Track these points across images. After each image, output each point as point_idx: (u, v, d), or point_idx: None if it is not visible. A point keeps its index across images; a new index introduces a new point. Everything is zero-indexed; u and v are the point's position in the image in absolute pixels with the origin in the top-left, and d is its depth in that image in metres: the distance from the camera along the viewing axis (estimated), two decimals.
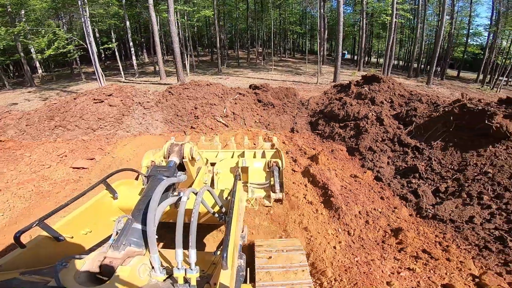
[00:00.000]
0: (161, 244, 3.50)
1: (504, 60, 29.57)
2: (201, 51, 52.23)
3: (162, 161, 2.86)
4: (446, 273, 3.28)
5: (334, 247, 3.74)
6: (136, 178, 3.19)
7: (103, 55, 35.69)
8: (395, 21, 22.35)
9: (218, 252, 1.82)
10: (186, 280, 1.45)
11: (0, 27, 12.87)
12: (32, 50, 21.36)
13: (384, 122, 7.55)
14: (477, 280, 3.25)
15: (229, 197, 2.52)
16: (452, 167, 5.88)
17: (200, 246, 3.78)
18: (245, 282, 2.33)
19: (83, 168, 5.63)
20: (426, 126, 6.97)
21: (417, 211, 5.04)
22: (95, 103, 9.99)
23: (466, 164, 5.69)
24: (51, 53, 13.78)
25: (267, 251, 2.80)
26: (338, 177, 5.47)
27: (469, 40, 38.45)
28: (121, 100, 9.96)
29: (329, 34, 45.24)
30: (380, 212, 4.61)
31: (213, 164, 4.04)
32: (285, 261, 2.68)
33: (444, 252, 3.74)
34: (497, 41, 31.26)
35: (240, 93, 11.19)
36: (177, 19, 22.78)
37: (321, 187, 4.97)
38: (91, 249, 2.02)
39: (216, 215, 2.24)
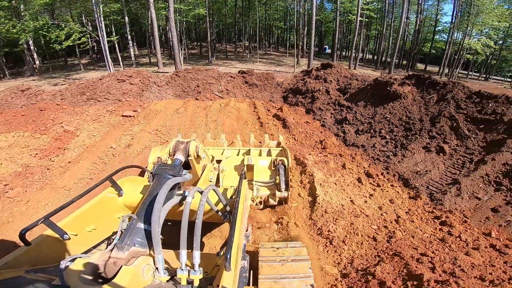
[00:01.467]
0: (165, 244, 4.52)
1: (459, 54, 34.10)
2: (189, 44, 54.60)
3: (168, 158, 2.80)
4: (349, 164, 6.65)
5: (286, 143, 7.20)
6: (142, 175, 3.00)
7: (96, 48, 37.66)
8: (360, 20, 26.12)
9: (222, 253, 1.78)
10: (189, 281, 1.46)
11: (29, 21, 15.35)
12: (30, 42, 23.44)
13: (330, 93, 11.14)
14: (366, 169, 6.54)
15: (234, 196, 2.49)
16: (367, 116, 9.50)
17: (202, 243, 3.73)
18: (248, 284, 2.30)
19: (130, 116, 8.70)
20: (355, 94, 10.62)
21: (344, 142, 8.53)
22: (119, 82, 13.00)
23: (375, 114, 9.30)
24: (70, 44, 16.44)
25: (271, 260, 2.74)
26: (294, 120, 8.94)
27: (437, 37, 42.95)
28: (140, 80, 13.04)
29: (308, 30, 48.82)
30: (316, 134, 8.12)
31: (218, 162, 3.99)
32: (289, 271, 2.62)
33: (352, 158, 7.06)
34: (455, 37, 35.72)
35: (231, 76, 14.53)
36: (163, 13, 25.66)
37: (282, 120, 8.43)
38: (96, 247, 2.04)
39: (220, 213, 2.24)
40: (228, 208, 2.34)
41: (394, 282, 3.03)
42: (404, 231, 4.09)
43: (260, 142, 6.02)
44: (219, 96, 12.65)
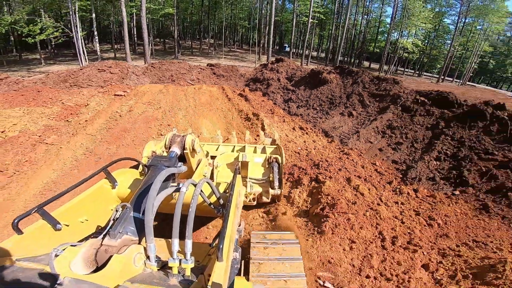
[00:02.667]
0: (158, 233, 4.61)
1: (395, 53, 40.01)
2: (152, 41, 54.90)
3: (163, 151, 2.80)
4: (288, 121, 9.53)
5: (251, 109, 9.93)
6: (137, 168, 3.12)
7: (53, 43, 36.85)
8: (312, 22, 29.99)
9: (214, 244, 1.81)
10: (180, 270, 1.47)
11: (4, 15, 15.92)
12: None
13: (280, 80, 14.18)
14: (299, 125, 9.51)
15: (227, 190, 2.55)
16: (305, 96, 12.65)
17: (196, 238, 3.80)
18: (239, 274, 2.31)
19: (121, 95, 10.63)
20: (298, 81, 13.77)
21: (288, 113, 11.50)
22: (99, 71, 14.62)
23: (311, 94, 12.50)
24: (43, 38, 17.30)
25: (262, 243, 2.77)
26: (252, 98, 11.70)
27: (380, 37, 48.98)
28: (119, 70, 14.80)
29: (269, 29, 52.36)
30: (268, 107, 10.98)
31: (213, 158, 4.02)
32: (279, 253, 2.65)
33: (291, 120, 10.02)
34: (393, 38, 41.58)
35: (201, 68, 16.90)
36: (134, 12, 26.90)
37: (244, 97, 11.16)
38: (88, 237, 2.04)
39: (213, 207, 2.26)
40: (221, 202, 2.35)
41: (308, 168, 5.93)
42: (318, 153, 7.05)
43: (256, 139, 6.13)
44: (192, 84, 14.97)
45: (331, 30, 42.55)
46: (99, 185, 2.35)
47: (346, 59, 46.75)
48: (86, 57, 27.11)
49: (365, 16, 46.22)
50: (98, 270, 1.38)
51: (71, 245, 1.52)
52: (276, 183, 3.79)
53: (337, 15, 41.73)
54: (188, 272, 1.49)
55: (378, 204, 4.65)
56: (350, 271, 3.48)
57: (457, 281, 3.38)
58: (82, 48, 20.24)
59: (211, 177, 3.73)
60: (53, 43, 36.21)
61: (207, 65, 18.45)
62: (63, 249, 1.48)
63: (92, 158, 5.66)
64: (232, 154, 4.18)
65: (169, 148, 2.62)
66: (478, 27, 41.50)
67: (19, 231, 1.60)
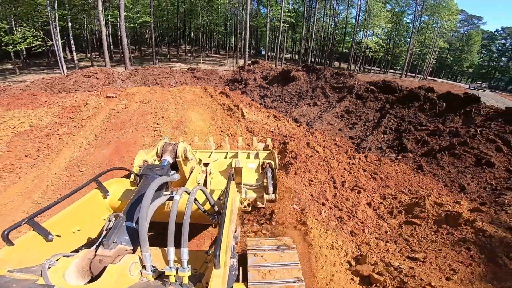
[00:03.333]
0: (153, 242, 3.65)
1: (361, 52, 43.31)
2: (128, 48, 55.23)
3: (155, 160, 2.78)
4: (263, 111, 11.13)
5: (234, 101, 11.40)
6: (128, 177, 3.05)
7: (25, 53, 36.35)
8: (283, 25, 32.15)
9: (211, 251, 1.79)
10: (177, 279, 1.45)
11: None
12: None
13: (256, 80, 15.81)
14: (273, 114, 11.10)
15: (222, 197, 2.53)
16: (278, 92, 14.34)
17: (193, 246, 3.84)
18: (237, 281, 2.32)
19: (113, 96, 11.65)
20: (272, 79, 15.47)
21: (264, 106, 13.11)
22: (85, 77, 15.47)
23: (282, 90, 14.20)
24: (24, 46, 17.78)
25: (259, 249, 2.76)
26: (232, 95, 13.17)
27: (348, 38, 52.26)
28: (105, 75, 15.72)
29: (245, 34, 54.37)
30: (247, 101, 12.51)
31: (206, 165, 4.01)
32: (277, 259, 2.64)
33: (267, 111, 11.59)
34: (358, 38, 44.82)
35: (182, 72, 18.15)
36: (112, 21, 27.63)
37: (225, 94, 12.60)
38: (81, 248, 2.02)
39: (208, 214, 2.26)
40: (216, 209, 2.33)
41: (279, 139, 7.47)
42: (287, 132, 8.62)
43: (248, 145, 6.15)
44: (175, 86, 16.19)
45: (302, 33, 45.23)
46: (91, 195, 2.32)
47: (317, 60, 49.66)
48: (64, 67, 27.47)
49: (333, 18, 49.45)
50: (93, 280, 1.36)
51: (64, 256, 1.50)
52: (270, 188, 3.79)
53: (307, 18, 44.44)
54: (185, 281, 1.46)
55: (330, 159, 6.30)
56: (310, 199, 5.03)
57: (394, 216, 4.99)
58: (62, 56, 20.75)
59: (205, 185, 3.69)
60: (24, 53, 35.91)
61: (188, 69, 19.74)
62: (56, 260, 1.46)
63: (103, 141, 6.86)
64: (225, 161, 4.17)
65: (161, 156, 2.59)
66: (434, 25, 45.91)
67: (10, 243, 1.57)
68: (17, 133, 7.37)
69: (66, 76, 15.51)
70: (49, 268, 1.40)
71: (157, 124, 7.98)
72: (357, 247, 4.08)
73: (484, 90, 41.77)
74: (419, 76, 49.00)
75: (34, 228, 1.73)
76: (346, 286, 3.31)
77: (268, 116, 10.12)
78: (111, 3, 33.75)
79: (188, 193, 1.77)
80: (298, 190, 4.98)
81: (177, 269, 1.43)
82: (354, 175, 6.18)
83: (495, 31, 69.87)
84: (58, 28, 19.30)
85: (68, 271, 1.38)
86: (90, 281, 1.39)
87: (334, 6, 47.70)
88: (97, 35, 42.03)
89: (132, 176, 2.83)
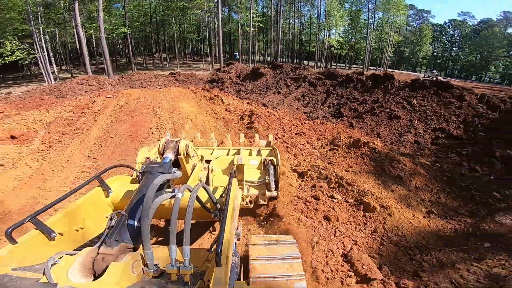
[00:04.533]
0: (155, 240, 3.85)
1: (324, 50, 47.43)
2: (99, 59, 56.30)
3: (157, 157, 2.77)
4: (239, 100, 13.85)
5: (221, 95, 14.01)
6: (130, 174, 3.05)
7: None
8: (253, 30, 35.27)
9: (212, 249, 1.79)
10: (179, 277, 1.47)
11: None
12: None
13: (232, 78, 18.56)
14: (248, 102, 13.93)
15: (224, 195, 2.53)
16: (250, 86, 17.16)
17: (195, 243, 3.93)
18: (239, 279, 2.31)
19: (111, 97, 13.81)
20: (245, 77, 18.31)
21: (239, 97, 15.85)
22: (79, 84, 17.43)
23: (254, 85, 17.05)
24: (13, 59, 19.38)
25: (261, 244, 2.81)
26: (212, 91, 15.76)
27: (313, 37, 56.40)
28: (96, 82, 17.76)
29: (218, 40, 57.10)
30: (224, 95, 15.20)
31: (208, 162, 3.98)
32: (278, 253, 2.69)
33: (241, 100, 14.34)
34: (321, 37, 49.02)
35: (165, 77, 20.50)
36: (90, 33, 29.33)
37: (206, 90, 15.18)
38: (83, 246, 2.02)
39: (211, 211, 2.27)
40: (218, 206, 2.32)
41: (249, 112, 10.22)
42: (255, 112, 11.38)
43: (250, 142, 6.28)
44: (159, 88, 18.53)
45: (271, 35, 48.73)
46: (93, 193, 2.33)
47: (287, 60, 53.35)
48: (49, 78, 28.69)
49: (299, 20, 53.53)
50: (96, 279, 1.38)
51: (67, 254, 1.53)
52: (273, 185, 3.83)
53: (275, 21, 48.00)
54: (187, 279, 1.46)
55: (282, 118, 9.17)
56: (274, 137, 7.79)
57: (323, 147, 7.87)
58: (49, 68, 22.30)
59: (207, 182, 3.72)
60: (20, 63, 36.48)
61: (169, 73, 22.10)
62: (59, 258, 1.47)
63: (119, 122, 9.24)
64: (227, 158, 4.21)
65: (163, 153, 2.59)
66: (388, 21, 51.13)
67: (13, 241, 1.60)
68: (46, 123, 9.58)
69: (61, 84, 17.37)
70: (52, 266, 1.41)
71: (156, 111, 10.44)
72: (297, 161, 6.89)
73: (436, 78, 47.32)
74: (380, 69, 54.02)
75: (37, 226, 1.74)
76: (289, 176, 6.04)
77: (242, 102, 12.88)
78: (83, 16, 35.20)
79: (190, 191, 1.77)
80: (261, 132, 7.78)
81: (179, 267, 1.43)
82: (299, 128, 9.08)
83: (443, 24, 77.87)
84: (43, 41, 20.92)
85: (71, 269, 1.38)
86: (93, 279, 1.41)
87: (299, 8, 51.74)
88: (69, 48, 43.00)
89: (134, 174, 2.81)
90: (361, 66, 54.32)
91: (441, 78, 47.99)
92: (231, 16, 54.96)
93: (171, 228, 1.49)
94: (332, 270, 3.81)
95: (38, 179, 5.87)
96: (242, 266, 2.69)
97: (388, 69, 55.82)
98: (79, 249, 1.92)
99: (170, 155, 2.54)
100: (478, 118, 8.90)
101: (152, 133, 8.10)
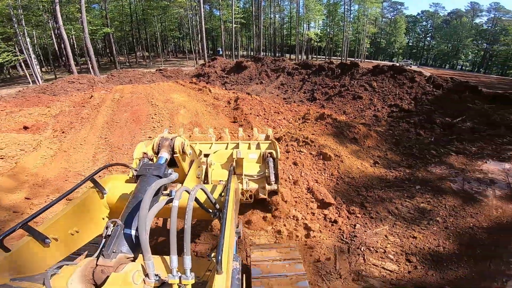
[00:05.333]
0: (154, 249, 4.10)
1: (305, 43, 49.23)
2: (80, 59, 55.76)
3: (153, 156, 2.62)
4: (225, 90, 15.21)
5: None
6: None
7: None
8: (235, 26, 36.43)
9: (213, 255, 1.73)
10: (180, 287, 1.45)
11: None
12: None
13: (217, 72, 19.85)
14: (233, 92, 15.30)
15: (223, 193, 2.48)
16: (235, 79, 18.54)
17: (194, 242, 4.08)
18: (241, 287, 2.27)
19: (105, 92, 14.78)
20: (229, 70, 19.66)
21: (224, 88, 17.19)
22: (70, 83, 18.20)
23: (238, 77, 18.44)
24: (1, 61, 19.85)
25: (263, 261, 2.74)
26: (200, 83, 17.02)
27: (294, 31, 58.06)
28: (87, 80, 18.57)
29: (201, 37, 57.70)
30: (211, 87, 16.53)
31: (206, 156, 3.94)
32: (281, 270, 2.62)
33: (227, 91, 15.72)
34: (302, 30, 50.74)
35: (152, 73, 21.49)
36: (74, 34, 29.62)
37: (194, 83, 16.41)
38: (80, 250, 2.02)
39: (210, 211, 2.23)
40: (217, 206, 2.28)
41: (232, 100, 11.63)
42: (240, 97, 12.79)
43: (249, 136, 6.37)
44: (148, 84, 19.55)
45: (253, 31, 49.99)
46: (87, 194, 2.24)
47: (270, 53, 54.83)
48: (40, 77, 28.82)
49: (280, 14, 55.05)
50: None
51: (67, 264, 1.53)
52: (272, 178, 3.82)
53: (257, 16, 49.23)
54: None
55: (263, 101, 10.69)
56: (252, 114, 9.27)
57: (296, 121, 9.43)
58: (36, 69, 22.73)
59: (206, 177, 3.70)
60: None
61: (156, 70, 23.08)
62: (59, 268, 1.47)
63: (121, 111, 10.40)
64: (226, 152, 4.18)
65: (158, 152, 2.46)
66: (364, 13, 53.47)
67: (6, 249, 1.57)
68: (52, 115, 10.63)
69: (52, 83, 18.06)
70: (51, 276, 1.39)
71: (151, 101, 11.65)
72: (275, 131, 8.39)
73: (410, 66, 50.41)
74: (358, 59, 56.52)
75: (29, 233, 1.69)
76: None
77: (229, 93, 14.28)
78: (64, 18, 35.15)
79: (188, 192, 1.71)
80: (245, 112, 9.26)
81: (180, 277, 1.41)
82: (278, 109, 10.63)
83: (417, 15, 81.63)
84: (28, 43, 21.34)
85: (71, 279, 1.37)
86: None
87: (280, 3, 53.20)
88: (50, 49, 42.62)
89: (131, 172, 2.73)
90: (340, 58, 56.58)
91: (415, 67, 51.10)
92: (212, 13, 55.70)
93: (171, 238, 1.47)
94: (299, 197, 5.35)
95: (62, 155, 7.09)
96: (244, 276, 2.63)
97: (366, 60, 58.47)
98: (76, 253, 1.97)
99: (165, 154, 2.43)
100: (426, 95, 10.74)
101: (152, 117, 9.37)
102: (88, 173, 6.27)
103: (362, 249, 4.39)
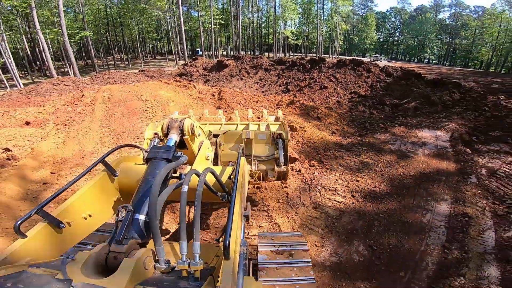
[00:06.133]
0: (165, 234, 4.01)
1: (282, 41, 51.28)
2: (54, 64, 54.65)
3: (163, 136, 2.67)
4: (209, 87, 16.58)
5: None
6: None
7: None
8: (214, 27, 37.67)
9: (221, 239, 1.75)
10: (190, 273, 1.47)
11: None
12: None
13: (199, 71, 21.15)
14: (216, 87, 16.68)
15: (232, 176, 2.50)
16: (217, 76, 19.92)
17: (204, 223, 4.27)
18: (247, 274, 2.29)
19: (95, 91, 15.65)
20: (211, 69, 21.02)
21: (207, 85, 18.58)
22: (55, 85, 18.79)
23: (219, 74, 19.85)
24: None
25: (270, 246, 2.81)
26: (184, 81, 18.24)
27: (271, 30, 59.86)
28: (72, 82, 19.23)
29: (180, 38, 58.16)
30: (196, 83, 17.83)
31: (216, 136, 3.95)
32: (288, 257, 2.68)
33: (210, 86, 17.13)
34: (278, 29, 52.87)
35: (135, 73, 22.38)
36: (51, 38, 29.68)
37: (178, 81, 17.65)
38: (93, 234, 2.09)
39: (219, 194, 2.23)
40: (226, 189, 2.31)
41: (215, 93, 13.08)
42: (223, 90, 14.21)
43: (259, 118, 6.07)
44: (131, 84, 20.47)
45: (232, 31, 51.38)
46: (99, 177, 2.28)
47: (249, 52, 56.43)
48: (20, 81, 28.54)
49: (258, 14, 56.73)
50: (109, 274, 1.40)
51: (81, 251, 1.55)
52: (282, 160, 3.81)
53: (235, 16, 50.59)
54: (197, 274, 1.47)
55: (244, 93, 12.23)
56: (236, 104, 10.76)
57: (272, 107, 11.01)
58: (16, 72, 22.88)
59: (215, 158, 3.72)
60: None
61: (139, 71, 23.98)
62: (74, 255, 1.49)
63: (115, 106, 11.49)
64: (235, 132, 4.16)
65: (167, 134, 2.52)
66: (337, 11, 56.31)
67: (23, 235, 1.63)
68: (49, 112, 11.56)
69: (37, 85, 18.58)
70: (67, 262, 1.43)
71: (141, 97, 12.83)
72: (254, 116, 9.94)
73: (380, 61, 53.97)
74: (332, 56, 59.43)
75: (44, 218, 1.75)
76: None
77: (211, 88, 15.69)
78: (40, 22, 34.88)
79: (198, 175, 1.74)
80: (228, 101, 10.72)
81: (189, 263, 1.44)
82: (256, 99, 12.19)
83: (386, 11, 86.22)
84: (7, 47, 21.53)
85: (85, 265, 1.42)
86: (106, 275, 1.41)
87: (257, 2, 54.88)
88: (26, 54, 41.75)
89: (141, 154, 2.68)
90: (316, 55, 59.19)
91: (385, 62, 54.41)
92: (190, 14, 56.43)
93: (181, 223, 1.51)
94: None
95: (72, 141, 8.23)
96: (251, 263, 2.73)
97: (340, 56, 61.52)
98: (90, 237, 2.02)
99: (174, 136, 2.49)
100: (379, 82, 12.75)
101: (145, 110, 10.61)
102: (101, 153, 7.48)
103: (319, 188, 6.04)
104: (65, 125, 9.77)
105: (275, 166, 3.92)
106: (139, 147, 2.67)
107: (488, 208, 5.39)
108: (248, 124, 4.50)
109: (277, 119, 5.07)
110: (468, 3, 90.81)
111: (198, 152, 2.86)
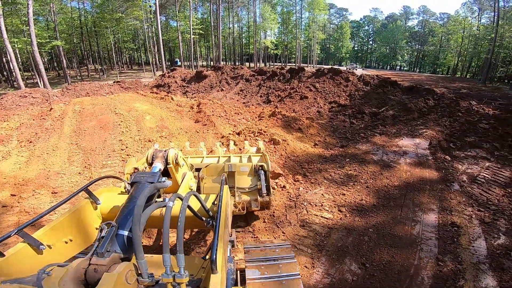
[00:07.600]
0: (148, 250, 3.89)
1: (261, 51, 51.96)
2: (23, 75, 51.72)
3: (146, 168, 2.73)
4: (188, 99, 16.10)
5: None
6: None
7: None
8: (193, 37, 37.37)
9: (207, 256, 1.81)
10: (174, 286, 1.44)
11: None
12: None
13: (177, 81, 20.68)
14: (193, 100, 16.29)
15: (215, 202, 2.53)
16: (196, 87, 19.53)
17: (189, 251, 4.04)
18: (235, 284, 2.32)
19: (65, 104, 14.68)
20: (190, 80, 20.62)
21: (186, 96, 18.12)
22: (21, 97, 17.51)
23: (199, 85, 19.47)
24: None
25: (257, 260, 2.82)
26: (161, 93, 17.66)
27: (252, 40, 60.39)
28: (40, 94, 18.03)
29: (158, 48, 57.19)
30: (174, 95, 17.32)
31: (198, 170, 4.00)
32: (276, 271, 2.69)
33: (190, 97, 16.67)
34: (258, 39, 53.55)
35: (110, 85, 21.47)
36: (19, 47, 27.98)
37: (155, 93, 17.05)
38: (73, 258, 2.01)
39: (204, 219, 2.25)
40: (210, 214, 2.33)
41: (194, 105, 12.70)
42: (202, 102, 13.86)
43: (240, 150, 6.22)
44: (106, 95, 19.58)
45: (212, 41, 51.34)
46: (82, 204, 2.30)
47: (230, 62, 56.52)
48: None
49: (238, 24, 57.17)
50: None
51: (59, 265, 1.51)
52: (264, 191, 3.89)
53: (215, 26, 50.60)
54: (183, 287, 1.44)
55: (224, 105, 11.94)
56: (216, 117, 10.44)
57: (253, 119, 10.79)
58: None
59: (198, 190, 3.74)
60: None
61: (114, 82, 23.05)
62: (50, 270, 1.45)
63: (86, 121, 10.77)
64: (217, 165, 4.21)
65: (152, 164, 2.55)
66: (314, 20, 58.01)
67: (1, 254, 1.59)
68: (13, 128, 10.63)
69: (1, 98, 17.20)
70: (43, 278, 1.39)
71: (115, 111, 12.17)
72: (236, 128, 9.65)
73: (356, 69, 56.04)
74: (311, 65, 60.92)
75: (25, 238, 1.72)
76: (231, 134, 8.76)
77: (190, 99, 15.27)
78: (8, 30, 32.87)
79: (181, 199, 1.76)
80: (208, 114, 10.37)
81: (174, 275, 1.41)
82: (238, 110, 11.96)
83: (360, 20, 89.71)
84: None
85: (63, 280, 1.36)
86: None
87: (238, 13, 55.33)
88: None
89: (123, 185, 2.75)
90: (295, 64, 60.40)
91: (360, 70, 56.58)
92: (169, 24, 55.80)
93: (164, 236, 1.48)
94: None
95: (37, 160, 7.50)
96: (239, 272, 2.77)
97: (317, 65, 63.19)
98: (70, 261, 1.94)
99: (159, 165, 2.53)
100: (358, 91, 12.98)
101: (119, 124, 10.01)
102: (67, 174, 6.86)
103: (305, 204, 5.82)
104: (30, 142, 8.98)
105: (258, 197, 4.00)
106: (120, 179, 2.72)
107: (475, 215, 5.40)
108: (230, 157, 4.60)
109: (258, 150, 5.17)
110: (434, 10, 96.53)
111: (182, 182, 2.94)
